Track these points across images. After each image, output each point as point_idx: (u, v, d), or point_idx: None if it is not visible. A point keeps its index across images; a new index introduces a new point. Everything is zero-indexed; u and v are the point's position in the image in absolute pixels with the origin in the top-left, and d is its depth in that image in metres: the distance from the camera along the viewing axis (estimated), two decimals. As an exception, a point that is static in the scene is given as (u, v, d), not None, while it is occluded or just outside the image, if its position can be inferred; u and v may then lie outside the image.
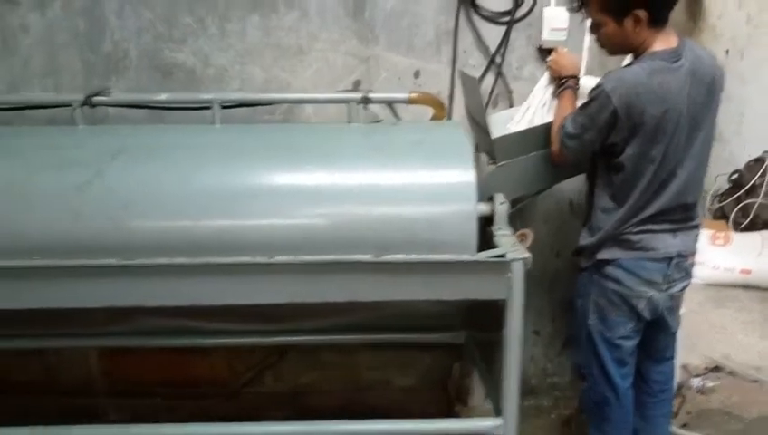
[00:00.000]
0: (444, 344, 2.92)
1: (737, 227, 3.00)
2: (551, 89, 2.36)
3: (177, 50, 2.62)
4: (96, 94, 2.21)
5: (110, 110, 2.57)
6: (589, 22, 2.12)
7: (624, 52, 2.13)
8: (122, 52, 2.61)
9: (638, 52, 2.04)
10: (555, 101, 2.32)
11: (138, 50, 2.61)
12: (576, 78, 2.30)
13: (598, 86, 2.01)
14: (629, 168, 2.03)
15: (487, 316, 2.35)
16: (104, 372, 3.04)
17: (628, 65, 2.08)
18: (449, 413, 2.94)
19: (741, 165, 3.07)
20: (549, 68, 2.37)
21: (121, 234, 2.00)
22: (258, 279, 2.01)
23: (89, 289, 1.99)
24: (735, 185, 3.07)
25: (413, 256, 1.98)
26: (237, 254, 1.99)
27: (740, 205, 3.01)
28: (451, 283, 2.01)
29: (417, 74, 2.69)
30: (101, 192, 2.00)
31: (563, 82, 2.29)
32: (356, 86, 2.67)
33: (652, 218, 2.08)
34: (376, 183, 2.06)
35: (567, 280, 2.89)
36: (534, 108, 2.35)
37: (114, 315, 2.37)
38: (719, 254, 2.83)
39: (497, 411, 2.20)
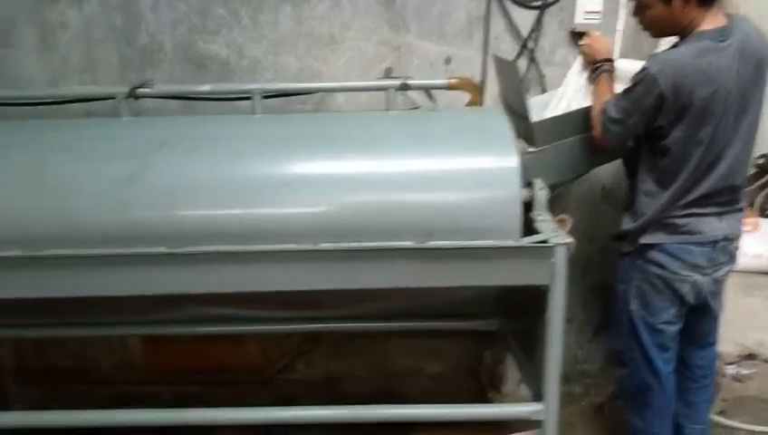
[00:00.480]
0: (475, 331, 2.94)
1: (763, 213, 2.99)
2: (585, 73, 2.37)
3: (210, 41, 2.63)
4: (140, 86, 2.23)
5: (147, 102, 2.59)
6: (631, 5, 2.12)
7: (670, 34, 2.12)
8: (157, 44, 2.63)
9: (684, 33, 2.03)
10: (591, 86, 2.33)
11: (172, 42, 2.63)
12: (611, 61, 2.30)
13: (643, 69, 2.00)
14: (676, 151, 2.03)
15: (522, 302, 2.37)
16: (142, 360, 3.09)
17: (674, 46, 2.07)
18: (482, 400, 2.96)
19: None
20: (582, 52, 2.37)
21: (168, 223, 2.03)
22: (303, 266, 2.03)
23: (138, 277, 2.02)
24: (762, 170, 3.04)
25: (457, 242, 1.99)
26: (282, 241, 2.01)
27: (766, 190, 2.99)
28: (494, 269, 2.02)
29: (448, 61, 2.70)
30: (148, 182, 2.03)
31: (598, 66, 2.29)
32: (387, 74, 2.68)
33: (698, 202, 2.08)
34: (418, 170, 2.08)
35: (599, 266, 2.91)
36: (570, 92, 2.35)
37: (153, 304, 2.41)
38: (747, 240, 2.83)
39: (537, 397, 2.22)
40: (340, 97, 2.71)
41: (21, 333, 2.82)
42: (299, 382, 3.12)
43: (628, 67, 2.21)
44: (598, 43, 2.34)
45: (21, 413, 2.38)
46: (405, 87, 2.23)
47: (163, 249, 2.00)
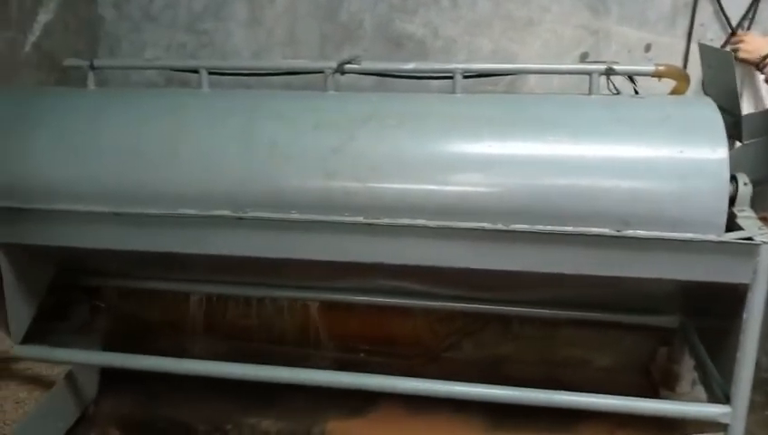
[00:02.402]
0: (649, 326, 2.85)
1: None
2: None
3: (408, 21, 2.71)
4: (348, 62, 2.32)
5: (342, 77, 2.70)
6: None
7: None
8: (357, 22, 2.74)
9: None
10: None
11: (372, 20, 2.72)
12: None
13: None
14: None
15: (711, 300, 2.28)
16: (317, 325, 3.23)
17: None
18: (654, 398, 2.87)
19: None
20: (742, 59, 2.26)
21: (368, 194, 2.11)
22: (495, 246, 2.06)
23: (336, 244, 2.15)
24: None
25: (657, 233, 1.95)
26: (473, 219, 2.05)
27: None
28: (694, 263, 1.98)
29: (647, 48, 2.63)
30: (353, 154, 2.12)
31: None
32: (583, 58, 2.65)
33: None
34: (620, 156, 2.04)
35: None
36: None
37: (339, 271, 2.52)
38: None
39: (724, 399, 2.14)
40: (532, 80, 2.70)
41: (210, 289, 3.01)
42: (464, 362, 3.15)
43: None
44: (754, 42, 2.22)
45: (204, 362, 2.55)
46: (610, 72, 2.18)
47: (361, 219, 2.10)
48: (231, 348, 3.20)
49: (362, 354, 3.18)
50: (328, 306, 3.15)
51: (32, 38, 3.00)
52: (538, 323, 3.05)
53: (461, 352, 3.19)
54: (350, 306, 3.08)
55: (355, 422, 2.69)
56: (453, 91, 2.26)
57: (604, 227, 1.99)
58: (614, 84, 2.24)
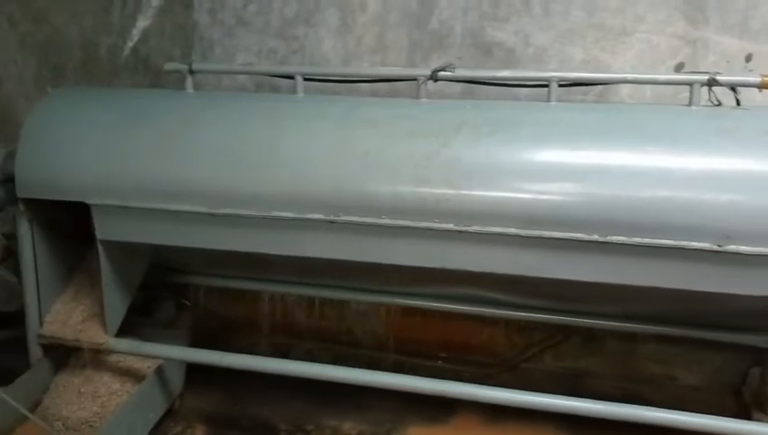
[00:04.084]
0: (740, 345, 2.76)
1: None
2: None
3: (499, 28, 2.69)
4: (442, 69, 2.33)
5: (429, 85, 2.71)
6: None
7: None
8: (447, 30, 2.74)
9: None
10: None
11: (462, 28, 2.72)
12: None
13: None
14: None
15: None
16: (391, 330, 3.25)
17: None
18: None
19: None
20: None
21: (460, 201, 2.11)
22: (590, 257, 2.04)
23: (427, 250, 2.16)
24: None
25: (761, 249, 1.89)
26: (569, 230, 2.04)
27: None
28: (800, 281, 1.91)
29: (748, 58, 2.55)
30: (446, 161, 2.13)
31: None
32: (678, 69, 2.59)
33: None
34: (723, 168, 1.99)
35: None
36: None
37: (419, 276, 2.52)
38: None
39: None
40: (624, 91, 2.65)
41: (292, 290, 3.05)
42: (543, 373, 3.11)
43: None
44: None
45: (290, 362, 2.60)
46: (713, 82, 2.13)
47: (451, 226, 2.10)
48: (309, 350, 3.26)
49: (439, 362, 3.18)
50: (406, 312, 3.16)
51: (130, 43, 3.13)
52: (621, 337, 3.00)
53: (540, 363, 3.16)
54: (428, 313, 3.09)
55: (436, 429, 2.68)
56: (547, 100, 2.25)
57: (704, 241, 1.95)
58: (715, 95, 2.18)
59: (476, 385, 2.39)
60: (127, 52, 3.14)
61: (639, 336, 2.94)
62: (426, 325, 3.18)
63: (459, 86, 2.65)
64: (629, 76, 2.36)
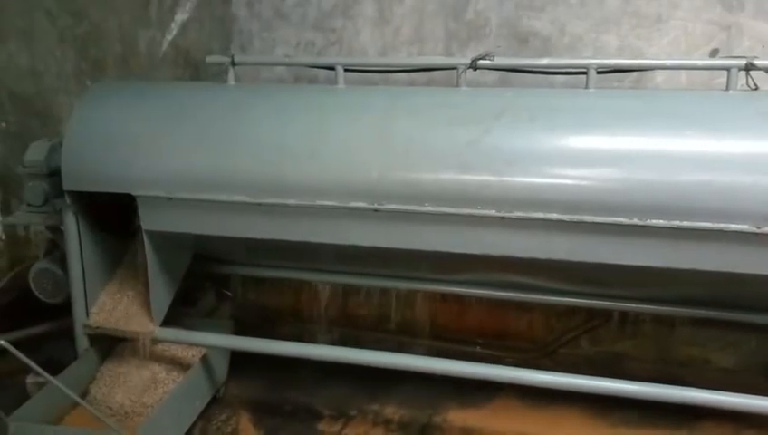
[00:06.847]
0: (775, 327, 2.78)
1: None
2: None
3: (535, 18, 2.72)
4: (481, 58, 2.36)
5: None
6: None
7: None
8: (483, 20, 2.77)
9: None
10: None
11: (499, 18, 2.75)
12: None
13: None
14: None
15: None
16: (430, 316, 3.30)
17: None
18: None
19: None
20: None
21: (502, 187, 2.15)
22: (630, 241, 2.08)
23: (470, 236, 2.20)
24: None
25: (802, 231, 1.92)
26: (610, 214, 2.07)
27: None
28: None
29: (784, 42, 2.56)
30: (487, 148, 2.17)
31: None
32: (713, 54, 2.60)
33: None
34: (760, 152, 2.01)
35: None
36: None
37: (458, 264, 2.56)
38: None
39: None
40: (659, 77, 2.67)
41: (333, 278, 3.10)
42: (581, 357, 3.14)
43: None
44: None
45: (332, 348, 2.66)
46: (750, 67, 2.15)
47: (493, 212, 2.15)
48: (351, 336, 3.32)
49: (478, 347, 3.22)
50: (444, 299, 3.21)
51: (169, 37, 3.20)
52: (657, 321, 3.02)
53: (577, 348, 3.20)
54: (466, 299, 3.13)
55: (476, 413, 2.73)
56: (586, 87, 2.27)
57: (743, 223, 1.97)
58: (753, 79, 2.20)
59: (516, 368, 2.42)
60: (166, 45, 3.21)
61: (676, 319, 2.96)
62: (463, 312, 3.22)
63: (495, 75, 2.68)
64: (668, 62, 2.38)
